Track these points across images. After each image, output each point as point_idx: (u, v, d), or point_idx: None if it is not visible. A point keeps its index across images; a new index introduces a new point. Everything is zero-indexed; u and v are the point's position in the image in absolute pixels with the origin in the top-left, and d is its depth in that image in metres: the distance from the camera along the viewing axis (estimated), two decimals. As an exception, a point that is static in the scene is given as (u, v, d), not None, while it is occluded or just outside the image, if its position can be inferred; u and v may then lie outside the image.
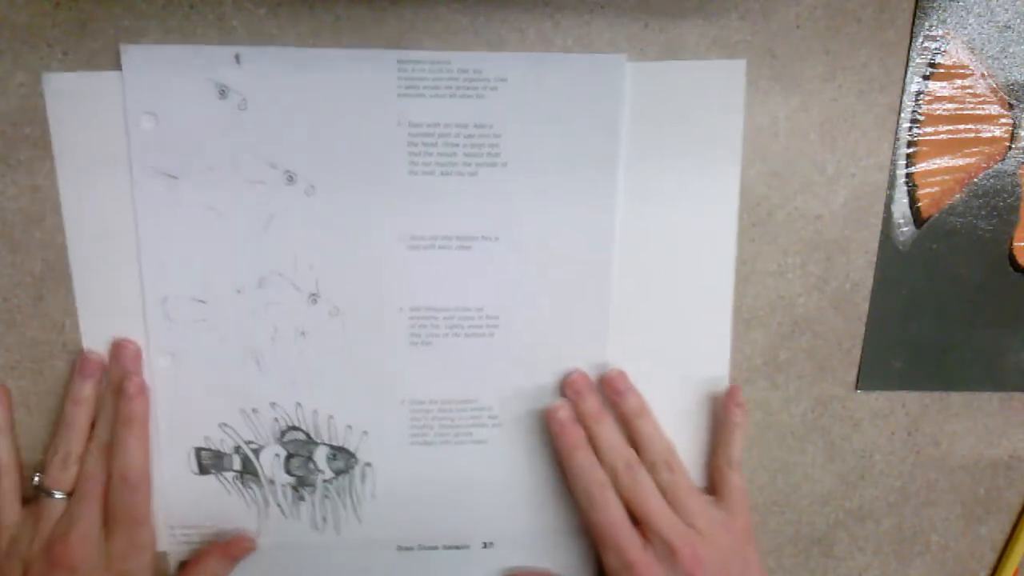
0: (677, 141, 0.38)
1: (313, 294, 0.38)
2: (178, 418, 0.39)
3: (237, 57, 0.35)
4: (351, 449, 0.40)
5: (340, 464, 0.40)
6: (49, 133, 0.36)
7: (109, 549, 0.37)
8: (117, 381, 0.37)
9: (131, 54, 0.35)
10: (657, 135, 0.38)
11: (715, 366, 0.41)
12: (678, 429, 0.41)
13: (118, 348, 0.38)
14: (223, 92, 0.35)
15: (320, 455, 0.40)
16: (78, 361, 0.38)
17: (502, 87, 0.36)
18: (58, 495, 0.37)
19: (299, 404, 0.40)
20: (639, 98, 0.37)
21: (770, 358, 0.42)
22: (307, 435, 0.40)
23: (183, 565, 0.40)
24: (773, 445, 0.43)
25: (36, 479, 0.38)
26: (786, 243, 0.40)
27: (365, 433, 0.40)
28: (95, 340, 0.38)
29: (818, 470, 0.44)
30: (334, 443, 0.40)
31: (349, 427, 0.40)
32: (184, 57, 0.35)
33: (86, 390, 0.37)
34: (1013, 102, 0.39)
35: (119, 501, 0.37)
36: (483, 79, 0.36)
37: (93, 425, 0.38)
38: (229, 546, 0.40)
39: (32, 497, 0.38)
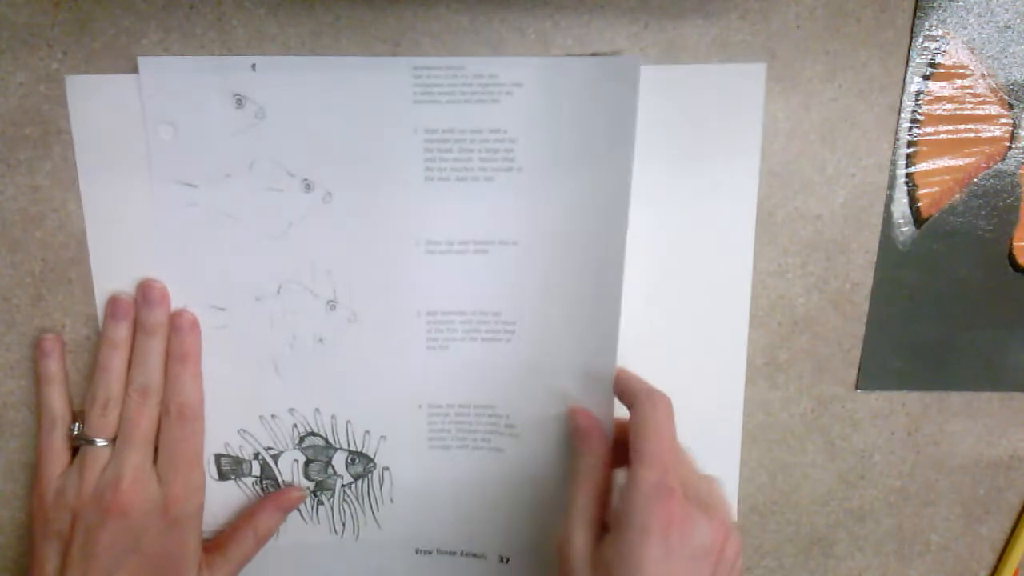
0: (696, 146, 0.38)
1: (331, 301, 0.38)
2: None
3: (253, 66, 0.35)
4: (369, 454, 0.40)
5: (358, 468, 0.40)
6: (48, 134, 0.36)
7: (164, 493, 0.36)
8: (151, 322, 0.37)
9: (148, 65, 0.35)
10: (676, 139, 0.38)
11: (731, 368, 0.41)
12: (692, 431, 0.41)
13: (147, 289, 0.37)
14: (240, 101, 0.35)
15: (339, 460, 0.40)
16: (109, 304, 0.37)
17: (517, 92, 0.36)
18: (101, 442, 0.36)
19: (317, 410, 0.40)
20: (658, 102, 0.37)
21: (770, 358, 0.42)
22: (325, 440, 0.40)
23: (237, 520, 0.40)
24: (773, 445, 0.43)
25: (76, 428, 0.37)
26: (786, 243, 0.40)
27: (383, 438, 0.40)
28: None
29: (818, 470, 0.44)
30: (352, 448, 0.40)
31: (367, 432, 0.40)
32: (201, 68, 0.35)
33: (121, 332, 0.36)
34: (1013, 102, 0.39)
35: (173, 440, 0.36)
36: (498, 84, 0.36)
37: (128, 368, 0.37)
38: (280, 497, 0.40)
39: (75, 447, 0.37)
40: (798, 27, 0.37)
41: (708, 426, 0.42)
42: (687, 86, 0.37)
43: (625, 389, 0.36)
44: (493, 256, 0.38)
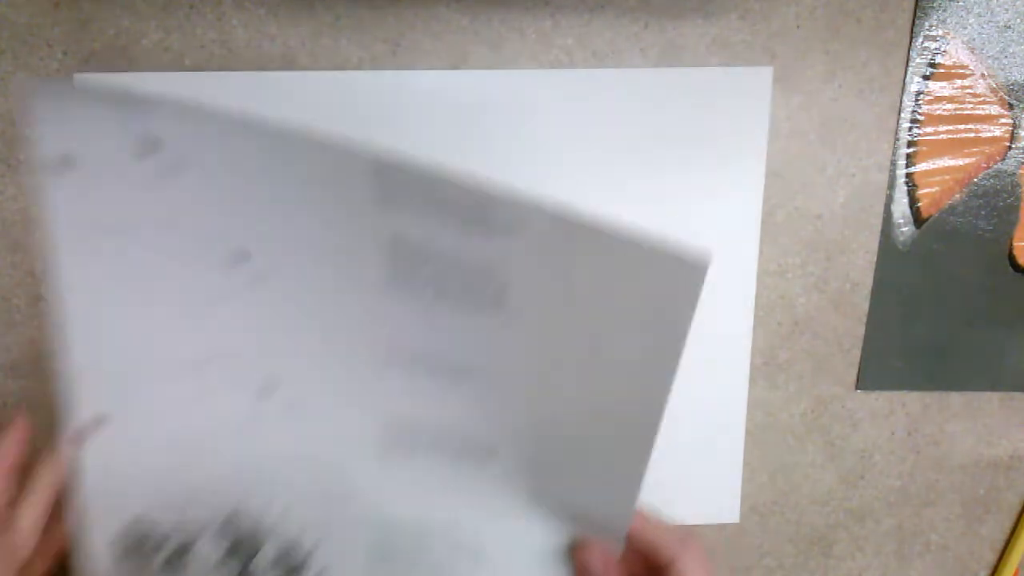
0: (701, 148, 0.38)
1: (266, 386, 0.32)
2: (105, 497, 0.32)
3: (162, 108, 0.27)
4: (301, 555, 0.34)
5: (288, 566, 0.34)
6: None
7: None
8: None
9: (45, 92, 0.27)
10: (681, 141, 0.37)
11: (734, 368, 0.41)
12: (696, 432, 0.41)
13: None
14: (151, 147, 0.28)
15: (265, 554, 0.34)
16: None
17: (512, 239, 0.27)
18: None
19: (246, 492, 0.33)
20: (664, 104, 0.37)
21: (770, 358, 0.42)
22: (253, 528, 0.34)
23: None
24: (773, 445, 0.43)
25: None
26: (786, 243, 0.40)
27: (319, 541, 0.34)
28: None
29: (818, 470, 0.44)
30: (282, 543, 0.34)
31: (302, 530, 0.34)
32: (100, 102, 0.27)
33: None
34: (1013, 102, 0.39)
35: None
36: (486, 221, 0.27)
37: None
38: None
39: None
40: (798, 27, 0.37)
41: (711, 426, 0.42)
42: (693, 88, 0.37)
43: (646, 538, 0.31)
44: (471, 384, 0.30)
